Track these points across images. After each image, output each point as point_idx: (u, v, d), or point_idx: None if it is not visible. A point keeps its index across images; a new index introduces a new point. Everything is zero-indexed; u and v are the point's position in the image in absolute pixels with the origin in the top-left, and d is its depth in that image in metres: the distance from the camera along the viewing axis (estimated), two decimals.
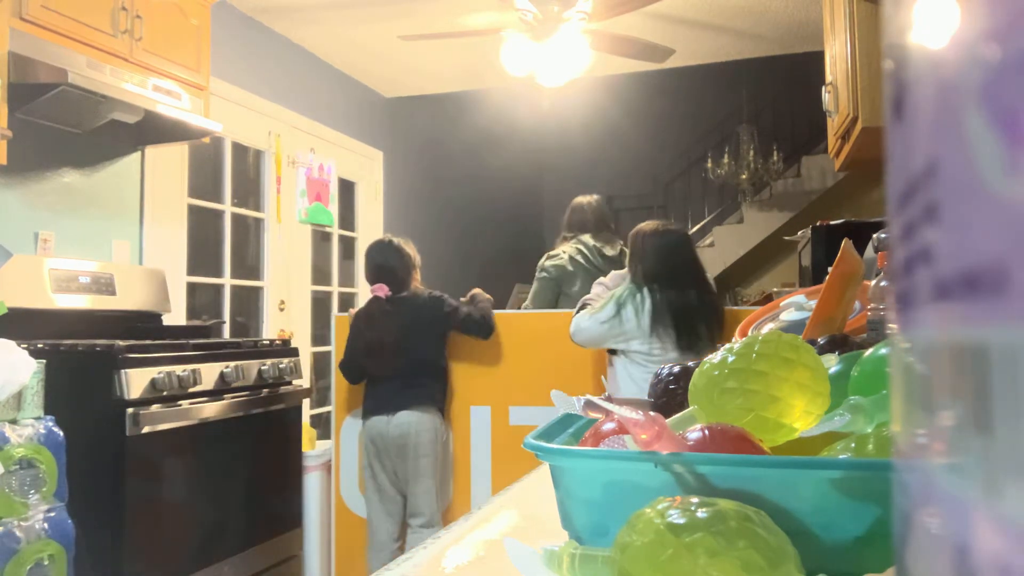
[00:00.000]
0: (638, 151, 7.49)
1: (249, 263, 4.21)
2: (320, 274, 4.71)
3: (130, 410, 2.21)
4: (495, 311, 2.86)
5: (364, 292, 4.72)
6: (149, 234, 3.37)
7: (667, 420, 0.49)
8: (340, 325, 2.95)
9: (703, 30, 4.31)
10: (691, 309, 2.41)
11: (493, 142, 6.46)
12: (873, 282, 0.91)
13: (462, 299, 2.88)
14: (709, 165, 6.77)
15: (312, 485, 3.05)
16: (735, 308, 2.83)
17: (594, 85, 5.52)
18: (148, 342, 2.47)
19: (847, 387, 0.51)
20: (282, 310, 4.29)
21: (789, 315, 1.14)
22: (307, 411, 3.99)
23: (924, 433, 0.16)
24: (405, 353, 2.72)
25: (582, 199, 3.19)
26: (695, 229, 6.88)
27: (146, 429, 2.25)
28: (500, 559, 0.60)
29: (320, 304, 4.68)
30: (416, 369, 2.75)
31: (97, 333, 2.80)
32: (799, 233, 3.24)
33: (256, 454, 2.73)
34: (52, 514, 1.85)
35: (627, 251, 2.63)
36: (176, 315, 3.43)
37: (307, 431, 3.16)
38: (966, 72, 0.14)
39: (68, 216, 2.99)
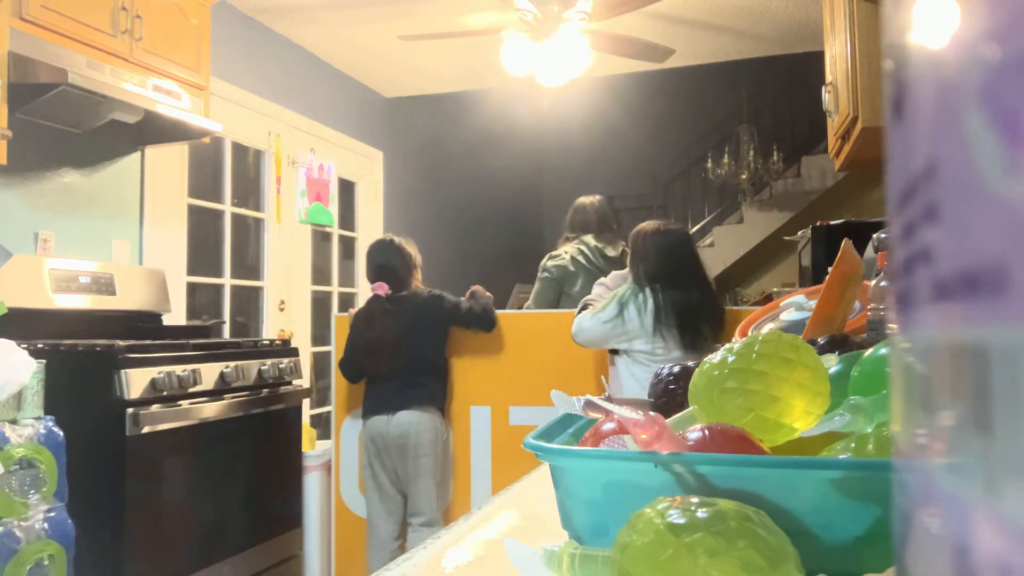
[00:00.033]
0: (638, 151, 7.49)
1: (249, 263, 4.21)
2: (320, 274, 4.71)
3: (130, 410, 2.21)
4: (495, 311, 2.86)
5: (364, 292, 4.73)
6: (149, 234, 3.37)
7: (667, 420, 0.49)
8: (340, 325, 2.95)
9: (703, 30, 4.31)
10: (694, 308, 2.41)
11: (493, 142, 6.46)
12: (873, 282, 0.91)
13: (462, 297, 2.88)
14: (709, 165, 6.77)
15: (312, 485, 3.06)
16: (735, 308, 2.83)
17: (594, 85, 5.52)
18: (148, 342, 2.47)
19: (847, 387, 0.51)
20: (282, 310, 4.29)
21: (789, 315, 1.14)
22: (307, 411, 3.99)
23: (924, 433, 0.16)
24: (405, 352, 2.72)
25: (585, 200, 3.19)
26: (695, 229, 6.87)
27: (146, 429, 2.25)
28: (500, 559, 0.60)
29: (320, 304, 4.68)
30: (416, 368, 2.75)
31: (97, 333, 2.80)
32: (799, 233, 3.24)
33: (256, 454, 2.73)
34: (52, 514, 1.85)
35: (628, 251, 2.64)
36: (176, 315, 3.43)
37: (307, 431, 3.16)
38: (966, 72, 0.14)
39: (68, 216, 2.99)
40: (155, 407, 2.29)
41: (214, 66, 3.35)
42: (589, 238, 3.09)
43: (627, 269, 2.59)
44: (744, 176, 6.62)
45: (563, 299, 3.06)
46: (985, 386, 0.13)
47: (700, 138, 7.28)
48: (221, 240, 3.95)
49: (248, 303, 4.20)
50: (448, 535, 0.69)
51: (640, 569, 0.37)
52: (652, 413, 0.45)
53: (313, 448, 3.18)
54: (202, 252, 3.83)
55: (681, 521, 0.37)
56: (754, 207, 6.73)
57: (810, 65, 4.31)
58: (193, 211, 3.71)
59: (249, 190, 4.21)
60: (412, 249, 2.86)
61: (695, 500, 0.39)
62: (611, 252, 3.06)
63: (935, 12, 0.15)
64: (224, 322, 3.80)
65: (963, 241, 0.14)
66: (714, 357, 0.53)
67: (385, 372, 2.74)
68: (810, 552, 0.39)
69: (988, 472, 0.13)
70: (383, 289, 2.76)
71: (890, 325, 0.19)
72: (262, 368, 2.73)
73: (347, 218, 5.03)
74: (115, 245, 3.20)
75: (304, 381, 3.04)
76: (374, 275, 2.82)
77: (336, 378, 2.95)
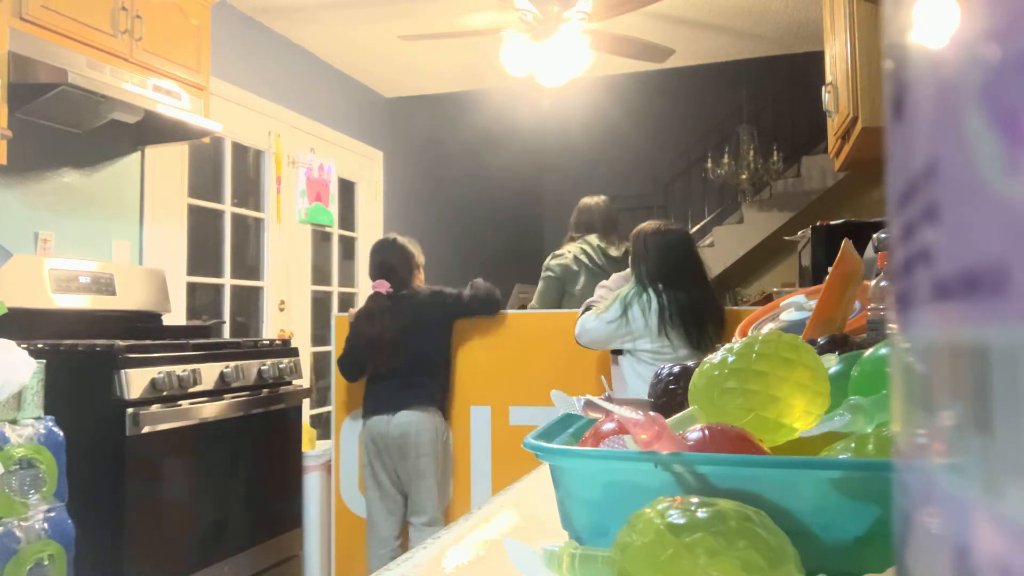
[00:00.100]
0: (638, 151, 7.49)
1: (249, 263, 4.21)
2: (320, 274, 4.71)
3: (130, 410, 2.21)
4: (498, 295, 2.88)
5: (364, 292, 4.73)
6: (149, 234, 3.37)
7: (667, 420, 0.49)
8: (340, 325, 2.95)
9: (703, 30, 4.31)
10: (698, 307, 2.42)
11: (493, 142, 6.46)
12: (873, 282, 0.91)
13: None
14: (709, 165, 6.77)
15: (312, 485, 3.06)
16: (735, 308, 2.83)
17: (594, 85, 5.52)
18: (148, 342, 2.47)
19: (847, 387, 0.51)
20: (282, 310, 4.29)
21: (789, 315, 1.14)
22: (307, 411, 3.99)
23: (924, 433, 0.16)
24: (405, 351, 2.72)
25: (589, 200, 3.19)
26: (695, 229, 6.87)
27: (146, 429, 2.25)
28: (500, 559, 0.60)
29: (320, 304, 4.68)
30: (416, 368, 2.75)
31: (97, 333, 2.80)
32: (799, 233, 3.24)
33: (256, 454, 2.73)
34: (52, 514, 1.85)
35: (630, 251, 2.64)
36: (176, 315, 3.43)
37: (307, 431, 3.16)
38: (966, 72, 0.14)
39: (68, 216, 2.99)
40: (155, 407, 2.29)
41: (214, 66, 3.35)
42: (593, 238, 3.10)
43: (628, 270, 2.59)
44: (744, 176, 6.62)
45: (566, 298, 3.07)
46: (985, 386, 0.13)
47: (700, 138, 7.28)
48: (221, 240, 3.95)
49: (248, 303, 4.20)
50: (448, 535, 0.69)
51: (640, 569, 0.37)
52: (652, 413, 0.45)
53: (313, 448, 3.18)
54: (202, 252, 3.83)
55: (681, 521, 0.37)
56: (754, 207, 6.73)
57: (810, 65, 4.31)
58: (193, 211, 3.71)
59: (249, 190, 4.20)
60: (415, 248, 2.87)
61: (695, 500, 0.39)
62: (614, 252, 3.07)
63: (935, 12, 0.15)
64: (224, 322, 3.80)
65: (963, 241, 0.14)
66: (714, 357, 0.53)
67: (384, 371, 2.74)
68: (810, 552, 0.39)
69: (988, 472, 0.13)
70: (384, 287, 2.76)
71: (890, 325, 0.19)
72: (262, 368, 2.73)
73: (347, 218, 5.03)
74: (115, 245, 3.20)
75: (304, 381, 3.04)
76: (376, 273, 2.83)
77: (336, 378, 2.95)
